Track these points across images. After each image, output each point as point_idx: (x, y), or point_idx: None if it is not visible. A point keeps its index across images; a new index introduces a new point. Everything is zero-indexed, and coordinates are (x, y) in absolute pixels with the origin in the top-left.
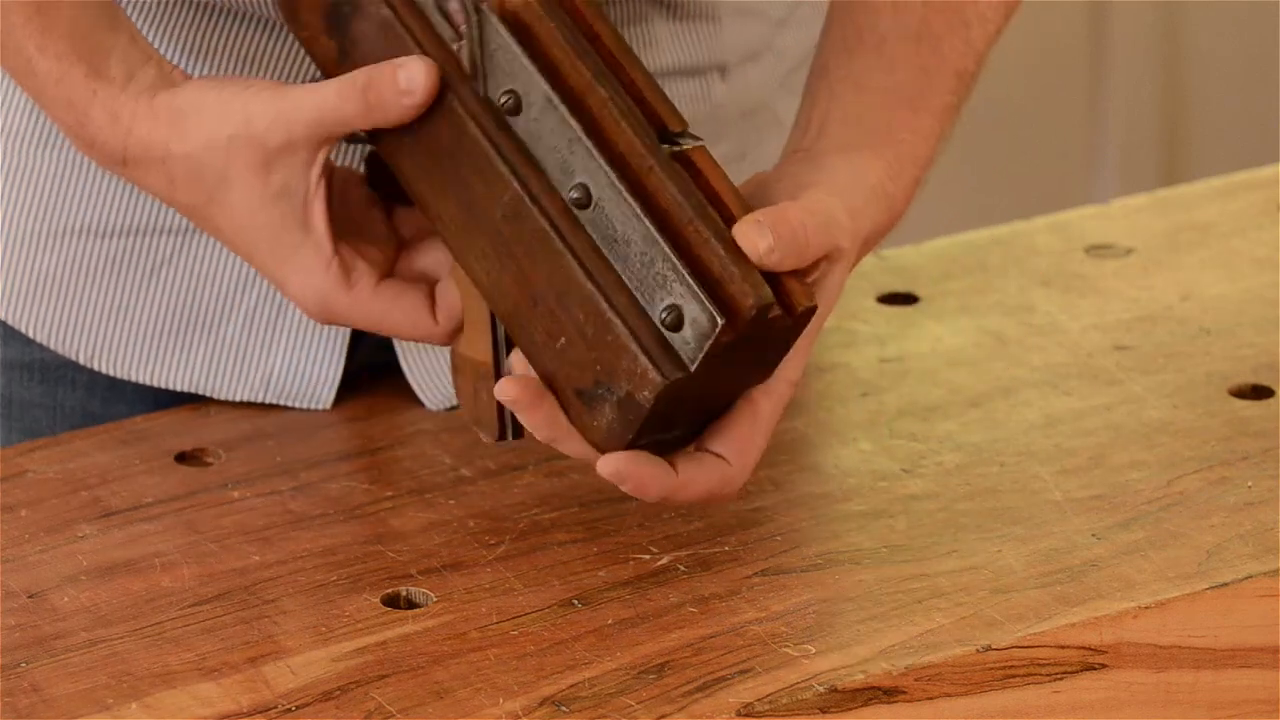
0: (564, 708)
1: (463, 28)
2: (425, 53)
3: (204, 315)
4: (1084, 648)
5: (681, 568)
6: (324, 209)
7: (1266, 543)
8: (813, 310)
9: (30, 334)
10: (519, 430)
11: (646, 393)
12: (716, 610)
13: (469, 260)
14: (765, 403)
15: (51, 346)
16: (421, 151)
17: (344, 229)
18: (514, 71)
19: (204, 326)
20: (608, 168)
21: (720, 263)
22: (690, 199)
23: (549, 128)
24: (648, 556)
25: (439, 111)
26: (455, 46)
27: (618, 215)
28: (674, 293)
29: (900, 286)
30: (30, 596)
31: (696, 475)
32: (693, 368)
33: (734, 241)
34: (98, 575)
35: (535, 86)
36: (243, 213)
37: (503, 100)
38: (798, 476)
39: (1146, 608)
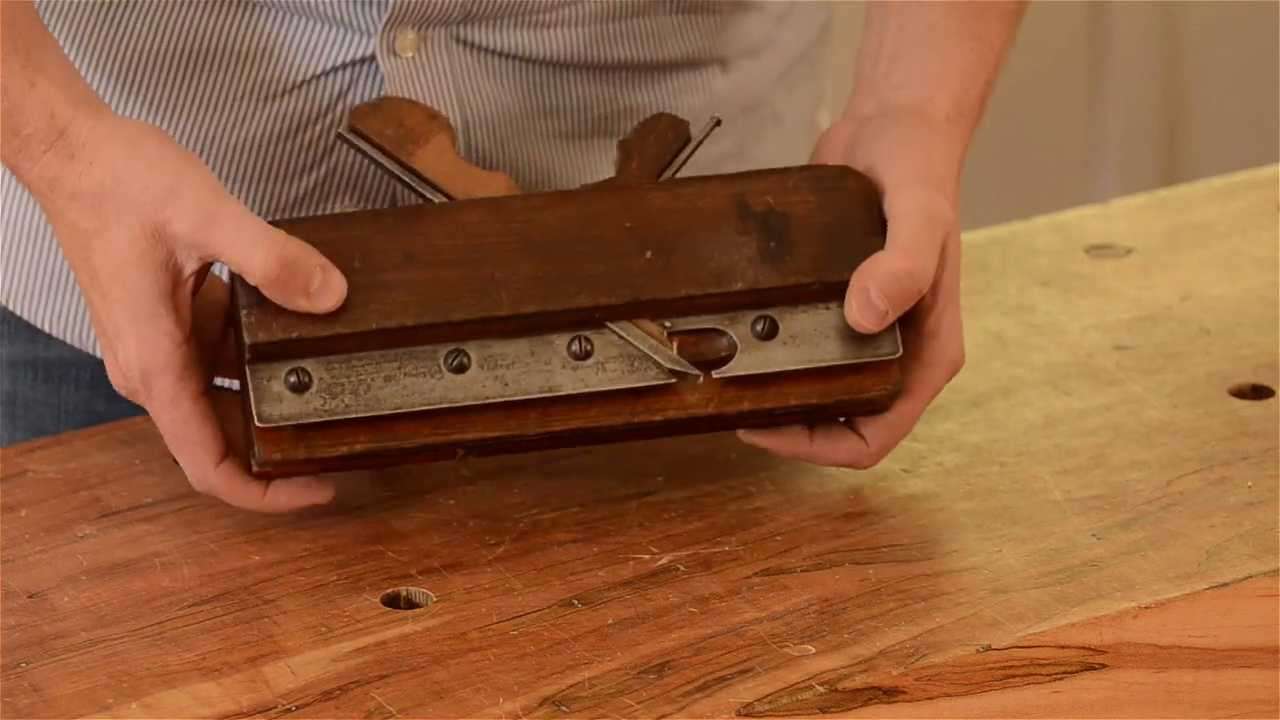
0: (564, 708)
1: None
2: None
3: None
4: (1084, 648)
5: (681, 568)
6: (189, 300)
7: (1266, 543)
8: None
9: (46, 328)
10: None
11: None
12: (716, 610)
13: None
14: (917, 398)
15: (66, 340)
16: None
17: (199, 334)
18: None
19: None
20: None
21: None
22: None
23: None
24: (648, 556)
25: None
26: None
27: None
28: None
29: None
30: (30, 596)
31: (830, 448)
32: None
33: None
34: (98, 575)
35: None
36: (121, 260)
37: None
38: (798, 476)
39: (1146, 608)
